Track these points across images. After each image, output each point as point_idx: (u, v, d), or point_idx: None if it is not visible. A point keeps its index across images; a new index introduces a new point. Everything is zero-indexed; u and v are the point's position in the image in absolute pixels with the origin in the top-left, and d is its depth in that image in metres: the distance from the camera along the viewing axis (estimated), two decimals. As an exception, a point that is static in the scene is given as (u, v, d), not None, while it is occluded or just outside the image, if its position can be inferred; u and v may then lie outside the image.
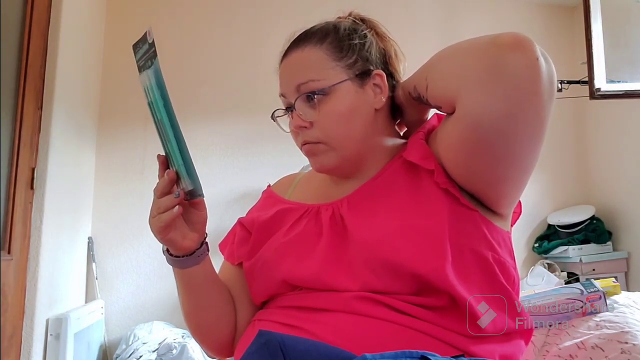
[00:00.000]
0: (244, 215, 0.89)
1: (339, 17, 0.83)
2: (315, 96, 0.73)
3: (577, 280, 2.66)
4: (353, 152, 0.75)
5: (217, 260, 0.79)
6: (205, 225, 0.71)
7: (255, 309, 0.77)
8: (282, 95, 0.79)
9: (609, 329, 1.12)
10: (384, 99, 0.77)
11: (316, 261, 0.68)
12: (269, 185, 0.95)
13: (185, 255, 0.70)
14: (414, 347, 0.56)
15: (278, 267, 0.71)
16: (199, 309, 0.76)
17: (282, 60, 0.80)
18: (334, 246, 0.69)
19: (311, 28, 0.80)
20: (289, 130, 0.80)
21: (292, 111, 0.76)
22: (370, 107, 0.76)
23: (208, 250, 0.73)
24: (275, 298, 0.73)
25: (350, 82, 0.75)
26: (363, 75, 0.76)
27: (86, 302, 2.43)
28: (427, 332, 0.60)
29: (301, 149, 0.78)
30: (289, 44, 0.80)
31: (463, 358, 0.56)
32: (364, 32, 0.79)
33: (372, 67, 0.78)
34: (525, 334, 0.69)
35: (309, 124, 0.74)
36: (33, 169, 1.96)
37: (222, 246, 0.89)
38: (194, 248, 0.70)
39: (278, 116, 0.81)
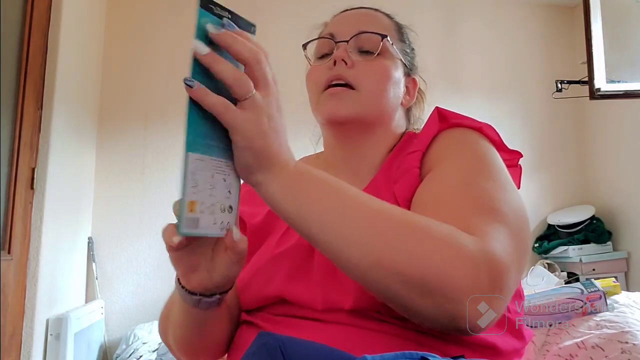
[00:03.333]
0: None
1: None
2: (372, 52, 0.71)
3: (577, 280, 2.66)
4: (374, 115, 0.71)
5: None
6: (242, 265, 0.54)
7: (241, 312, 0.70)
8: (331, 34, 0.73)
9: (609, 328, 1.12)
10: (409, 102, 0.78)
11: (310, 279, 0.62)
12: None
13: (203, 295, 0.54)
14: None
15: (271, 281, 0.64)
16: (200, 336, 0.64)
17: (342, 12, 0.78)
18: (326, 261, 0.60)
19: None
20: (316, 63, 0.74)
21: (336, 45, 0.71)
22: (400, 96, 0.75)
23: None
24: (267, 306, 0.67)
25: (400, 63, 0.75)
26: (407, 70, 0.77)
27: (86, 302, 2.43)
28: (424, 342, 0.57)
29: (323, 89, 0.70)
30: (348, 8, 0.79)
31: (463, 359, 0.56)
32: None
33: (414, 70, 0.79)
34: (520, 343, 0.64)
35: (352, 63, 0.69)
36: (33, 169, 1.96)
37: None
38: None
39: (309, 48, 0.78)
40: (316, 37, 0.77)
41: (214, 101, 0.43)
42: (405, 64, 0.76)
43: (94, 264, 2.47)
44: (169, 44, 2.82)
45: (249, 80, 0.45)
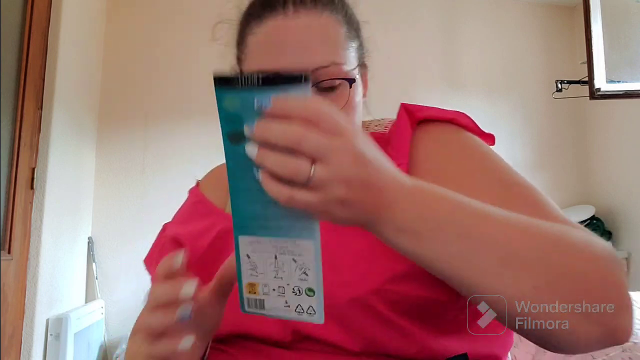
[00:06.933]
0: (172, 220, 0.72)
1: None
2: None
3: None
4: None
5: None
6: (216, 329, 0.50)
7: None
8: None
9: (609, 328, 1.12)
10: (365, 92, 0.66)
11: None
12: (197, 183, 0.76)
13: None
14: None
15: (233, 317, 0.50)
16: None
17: (272, 14, 0.57)
18: None
19: None
20: None
21: None
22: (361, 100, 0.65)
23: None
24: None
25: (358, 71, 0.62)
26: (362, 66, 0.65)
27: (86, 302, 2.43)
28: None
29: None
30: None
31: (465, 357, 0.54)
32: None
33: (365, 57, 0.66)
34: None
35: None
36: (33, 169, 1.96)
37: (150, 262, 0.71)
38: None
39: None
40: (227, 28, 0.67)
41: (276, 190, 0.36)
42: (359, 63, 0.64)
43: (94, 264, 2.47)
44: (169, 44, 2.82)
45: (298, 161, 0.35)
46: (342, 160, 0.36)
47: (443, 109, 0.62)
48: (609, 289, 0.43)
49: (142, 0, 2.86)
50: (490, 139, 0.64)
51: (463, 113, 0.63)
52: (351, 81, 0.58)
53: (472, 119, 0.63)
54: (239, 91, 0.36)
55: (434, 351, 0.52)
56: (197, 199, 0.71)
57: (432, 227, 0.40)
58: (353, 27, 0.63)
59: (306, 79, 0.35)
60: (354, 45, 0.62)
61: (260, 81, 0.35)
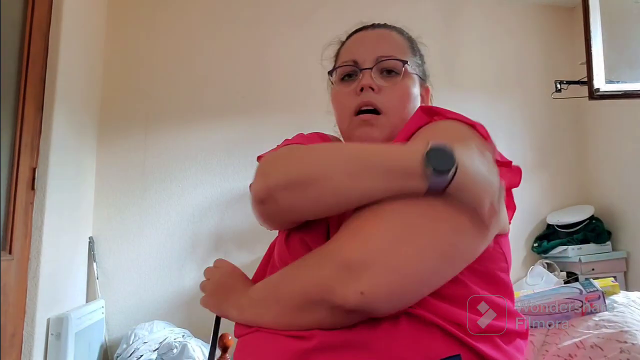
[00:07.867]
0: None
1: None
2: (393, 71, 0.78)
3: (577, 280, 2.67)
4: (394, 134, 0.74)
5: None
6: None
7: None
8: (354, 61, 0.80)
9: (608, 328, 1.12)
10: None
11: None
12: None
13: None
14: (419, 341, 0.56)
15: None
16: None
17: (358, 32, 0.85)
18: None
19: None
20: (340, 86, 0.81)
21: (361, 71, 0.78)
22: (416, 107, 0.79)
23: None
24: None
25: (417, 78, 0.82)
26: (422, 80, 0.84)
27: (87, 301, 2.44)
28: (435, 322, 0.57)
29: (353, 113, 0.77)
30: (362, 25, 0.87)
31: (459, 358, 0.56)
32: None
33: (426, 79, 0.86)
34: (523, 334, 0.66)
35: (378, 88, 0.77)
36: (34, 170, 1.97)
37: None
38: None
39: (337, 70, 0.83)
40: (330, 51, 0.88)
41: None
42: (420, 77, 0.83)
43: (94, 263, 2.48)
44: (169, 45, 2.83)
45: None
46: (212, 277, 0.75)
47: (469, 118, 0.68)
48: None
49: (143, 1, 2.87)
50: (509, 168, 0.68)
51: (482, 126, 0.69)
52: (404, 62, 0.79)
53: (489, 133, 0.68)
54: None
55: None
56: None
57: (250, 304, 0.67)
58: (416, 50, 0.85)
59: None
60: (415, 59, 0.82)
61: None
